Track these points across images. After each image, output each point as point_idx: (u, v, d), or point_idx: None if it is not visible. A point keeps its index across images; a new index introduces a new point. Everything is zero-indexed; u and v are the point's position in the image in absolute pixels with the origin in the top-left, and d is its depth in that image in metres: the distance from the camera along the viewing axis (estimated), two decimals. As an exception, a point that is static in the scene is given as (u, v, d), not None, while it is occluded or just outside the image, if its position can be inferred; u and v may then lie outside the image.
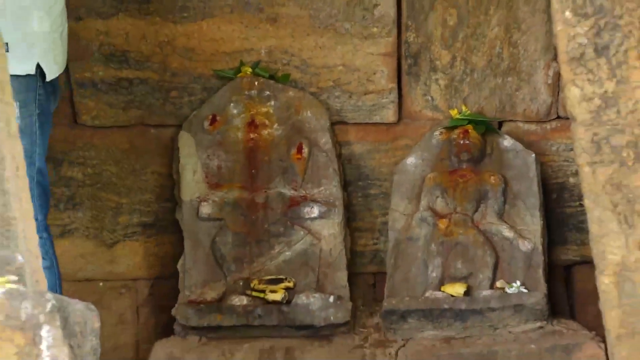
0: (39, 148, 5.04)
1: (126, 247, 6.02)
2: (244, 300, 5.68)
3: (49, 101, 5.12)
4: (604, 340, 4.61)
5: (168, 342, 5.67)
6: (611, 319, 4.23)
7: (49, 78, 5.03)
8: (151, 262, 6.05)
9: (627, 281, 4.20)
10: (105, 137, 5.98)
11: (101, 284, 5.78)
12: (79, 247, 5.76)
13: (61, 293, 4.79)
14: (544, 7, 5.51)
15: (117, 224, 6.00)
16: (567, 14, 4.16)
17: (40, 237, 4.77)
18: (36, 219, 4.79)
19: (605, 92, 4.14)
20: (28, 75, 4.95)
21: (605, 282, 4.22)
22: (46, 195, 5.09)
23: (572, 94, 4.20)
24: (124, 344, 5.91)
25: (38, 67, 4.98)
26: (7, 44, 4.73)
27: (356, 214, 5.98)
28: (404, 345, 5.59)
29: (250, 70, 5.90)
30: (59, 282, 5.06)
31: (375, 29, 5.92)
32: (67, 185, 5.83)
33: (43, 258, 4.80)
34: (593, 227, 4.21)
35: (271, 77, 5.91)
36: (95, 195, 5.96)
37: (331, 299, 5.68)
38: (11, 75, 4.74)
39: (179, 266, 5.79)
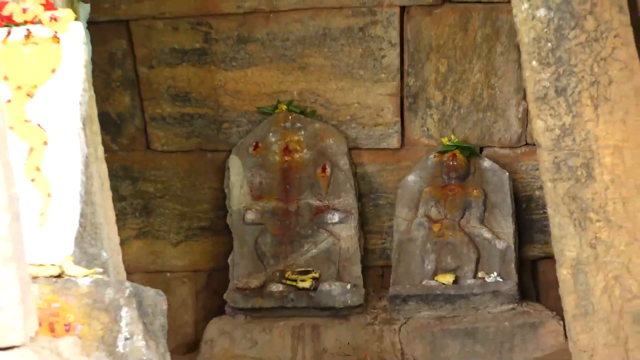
0: None
1: (188, 246, 6.01)
2: (280, 288, 5.70)
3: None
4: (562, 319, 4.58)
5: (220, 321, 5.70)
6: (568, 302, 4.27)
7: None
8: (207, 257, 6.03)
9: (581, 273, 4.23)
10: (171, 160, 5.98)
11: (168, 274, 5.77)
12: (150, 246, 5.74)
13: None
14: (515, 58, 5.50)
15: (181, 227, 6.00)
16: (534, 63, 4.21)
17: None
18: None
19: (564, 124, 4.19)
20: None
21: (563, 273, 4.26)
22: None
23: (538, 125, 4.26)
24: (185, 322, 5.88)
25: None
26: None
27: (368, 220, 5.96)
28: (405, 323, 5.62)
29: (285, 107, 5.88)
30: None
31: (383, 75, 5.91)
32: (142, 197, 5.83)
33: None
34: (554, 230, 4.26)
35: (301, 112, 5.89)
36: (163, 205, 5.96)
37: (348, 286, 5.69)
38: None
39: (229, 261, 5.80)
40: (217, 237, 6.00)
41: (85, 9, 5.00)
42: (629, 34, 4.22)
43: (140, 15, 5.70)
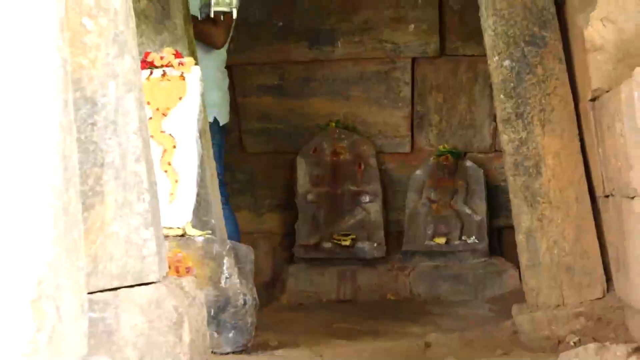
0: (219, 166, 4.87)
1: (269, 216, 5.98)
2: (329, 245, 5.68)
3: (222, 137, 5.01)
4: (518, 269, 4.57)
5: (291, 267, 5.70)
6: (522, 257, 4.26)
7: (221, 124, 4.95)
8: (281, 224, 5.99)
9: (531, 238, 4.22)
10: (258, 159, 5.95)
11: (255, 235, 5.73)
12: (245, 216, 5.69)
13: (239, 239, 4.77)
14: (489, 93, 5.42)
15: (264, 204, 5.97)
16: (501, 96, 4.20)
17: (223, 209, 4.78)
18: (225, 202, 4.84)
19: (521, 138, 4.19)
20: (210, 123, 4.74)
21: (519, 238, 4.26)
22: (224, 187, 4.94)
23: (503, 138, 4.26)
24: (266, 267, 5.83)
25: (215, 119, 4.87)
26: None
27: (388, 201, 5.90)
28: (413, 270, 5.61)
29: (334, 124, 5.83)
30: (238, 233, 4.97)
31: (400, 104, 5.87)
32: (238, 183, 5.80)
33: (228, 220, 4.83)
34: (514, 209, 4.26)
35: (345, 128, 5.84)
36: (252, 189, 5.94)
37: (375, 245, 5.67)
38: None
39: (295, 226, 5.76)
40: (288, 211, 5.95)
41: (221, 54, 4.99)
42: (565, 77, 4.22)
43: (239, 62, 5.69)
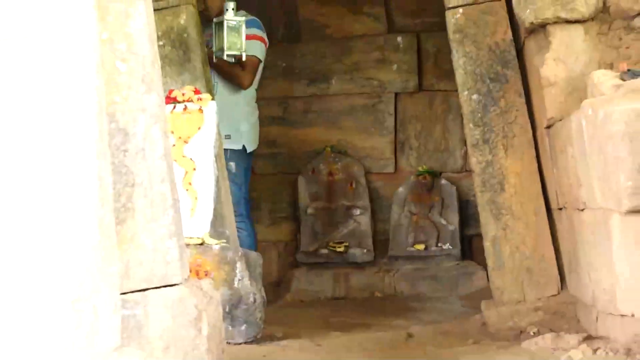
0: (244, 185, 4.91)
1: (275, 227, 5.94)
2: (326, 251, 5.66)
3: (249, 162, 4.99)
4: (486, 270, 4.53)
5: (294, 270, 5.67)
6: (489, 261, 4.21)
7: (248, 151, 4.92)
8: (286, 233, 5.96)
9: (496, 244, 4.18)
10: (265, 179, 5.90)
11: (263, 243, 5.67)
12: (256, 227, 5.64)
13: (256, 248, 4.74)
14: (460, 122, 5.33)
15: (270, 217, 5.94)
16: (471, 125, 4.20)
17: (244, 222, 4.76)
18: (247, 216, 4.79)
19: (487, 160, 4.16)
20: (239, 150, 4.83)
21: (487, 244, 4.22)
22: (248, 205, 4.96)
23: (472, 161, 4.23)
24: (274, 270, 5.79)
25: (243, 146, 4.86)
26: (229, 135, 4.72)
27: (376, 213, 5.87)
28: (397, 271, 5.57)
29: (329, 149, 5.81)
30: (255, 244, 4.92)
31: (384, 132, 5.85)
32: (250, 199, 5.77)
33: (248, 232, 4.80)
34: (481, 219, 4.22)
35: (338, 152, 5.82)
36: (261, 205, 5.90)
37: (365, 251, 5.65)
38: (231, 150, 4.74)
39: (298, 236, 5.78)
40: (291, 222, 5.93)
41: (249, 92, 4.96)
42: (524, 108, 4.19)
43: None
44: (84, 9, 1.78)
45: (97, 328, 1.80)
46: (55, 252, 1.73)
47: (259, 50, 4.84)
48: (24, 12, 1.72)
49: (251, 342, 3.85)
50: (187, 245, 3.40)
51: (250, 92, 4.96)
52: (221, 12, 4.59)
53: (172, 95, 3.90)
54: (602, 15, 3.82)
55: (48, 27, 1.73)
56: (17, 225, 1.70)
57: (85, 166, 1.78)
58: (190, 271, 3.10)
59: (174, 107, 3.87)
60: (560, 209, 3.97)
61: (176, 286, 2.85)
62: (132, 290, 2.74)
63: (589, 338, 3.47)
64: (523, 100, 4.18)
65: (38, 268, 1.71)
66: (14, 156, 1.70)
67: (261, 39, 4.87)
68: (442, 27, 4.34)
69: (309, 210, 5.76)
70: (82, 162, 1.77)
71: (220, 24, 4.54)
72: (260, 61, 4.87)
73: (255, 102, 5.05)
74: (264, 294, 4.00)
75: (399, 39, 5.81)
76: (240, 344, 3.80)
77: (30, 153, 1.71)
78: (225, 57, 4.58)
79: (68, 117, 1.75)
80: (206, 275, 3.50)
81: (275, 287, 5.60)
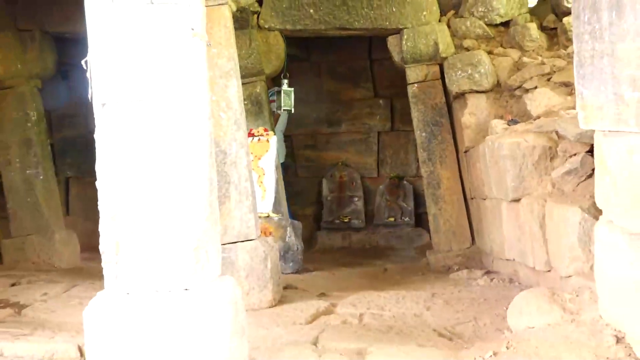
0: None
1: (308, 208, 5.77)
2: (337, 221, 5.56)
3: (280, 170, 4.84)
4: (429, 233, 4.43)
5: (319, 232, 5.57)
6: (431, 227, 4.16)
7: (281, 161, 4.74)
8: (314, 211, 5.80)
9: (436, 217, 4.13)
10: (304, 180, 5.79)
11: (301, 217, 5.60)
12: (297, 209, 5.50)
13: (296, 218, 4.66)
14: (414, 148, 5.22)
15: (307, 202, 5.77)
16: (421, 150, 4.10)
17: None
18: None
19: (430, 170, 4.09)
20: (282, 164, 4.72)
21: (430, 218, 4.17)
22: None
23: (423, 170, 4.15)
24: (307, 232, 5.53)
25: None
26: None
27: (367, 200, 5.71)
28: (378, 233, 5.47)
29: (340, 163, 5.71)
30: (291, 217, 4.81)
31: (372, 153, 5.72)
32: (295, 193, 5.59)
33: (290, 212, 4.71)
34: (427, 204, 4.07)
35: (345, 165, 5.71)
36: (301, 195, 5.71)
37: (360, 221, 5.56)
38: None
39: (322, 212, 5.65)
40: (317, 205, 5.81)
41: (281, 126, 4.93)
42: (452, 141, 4.17)
43: (295, 133, 5.64)
44: (203, 84, 1.82)
45: (208, 263, 1.81)
46: (186, 220, 1.75)
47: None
48: (179, 86, 1.75)
49: (295, 273, 3.86)
50: (259, 217, 3.45)
51: (281, 126, 5.01)
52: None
53: (252, 132, 3.92)
54: (496, 88, 3.88)
55: (189, 94, 1.76)
56: (170, 208, 1.73)
57: (203, 172, 1.81)
58: (261, 232, 3.14)
59: (253, 139, 3.89)
60: (472, 198, 3.97)
61: (252, 240, 2.89)
62: (228, 242, 2.80)
63: (488, 272, 3.51)
64: (451, 136, 4.17)
65: (178, 228, 1.74)
66: (169, 167, 1.74)
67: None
68: (405, 94, 4.32)
69: (328, 198, 5.70)
70: (201, 170, 1.79)
71: (279, 92, 4.55)
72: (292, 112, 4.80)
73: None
74: (302, 246, 4.01)
75: (381, 101, 5.74)
76: (289, 273, 3.81)
77: (175, 165, 1.74)
78: (280, 112, 4.61)
79: (195, 144, 1.79)
80: (270, 234, 3.52)
81: (308, 242, 5.57)
